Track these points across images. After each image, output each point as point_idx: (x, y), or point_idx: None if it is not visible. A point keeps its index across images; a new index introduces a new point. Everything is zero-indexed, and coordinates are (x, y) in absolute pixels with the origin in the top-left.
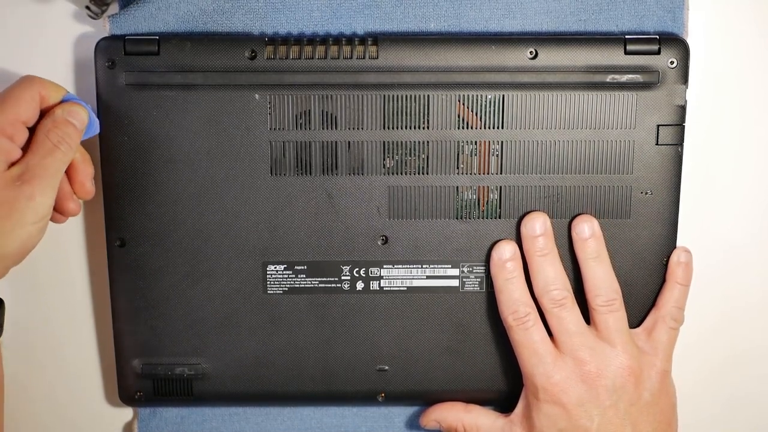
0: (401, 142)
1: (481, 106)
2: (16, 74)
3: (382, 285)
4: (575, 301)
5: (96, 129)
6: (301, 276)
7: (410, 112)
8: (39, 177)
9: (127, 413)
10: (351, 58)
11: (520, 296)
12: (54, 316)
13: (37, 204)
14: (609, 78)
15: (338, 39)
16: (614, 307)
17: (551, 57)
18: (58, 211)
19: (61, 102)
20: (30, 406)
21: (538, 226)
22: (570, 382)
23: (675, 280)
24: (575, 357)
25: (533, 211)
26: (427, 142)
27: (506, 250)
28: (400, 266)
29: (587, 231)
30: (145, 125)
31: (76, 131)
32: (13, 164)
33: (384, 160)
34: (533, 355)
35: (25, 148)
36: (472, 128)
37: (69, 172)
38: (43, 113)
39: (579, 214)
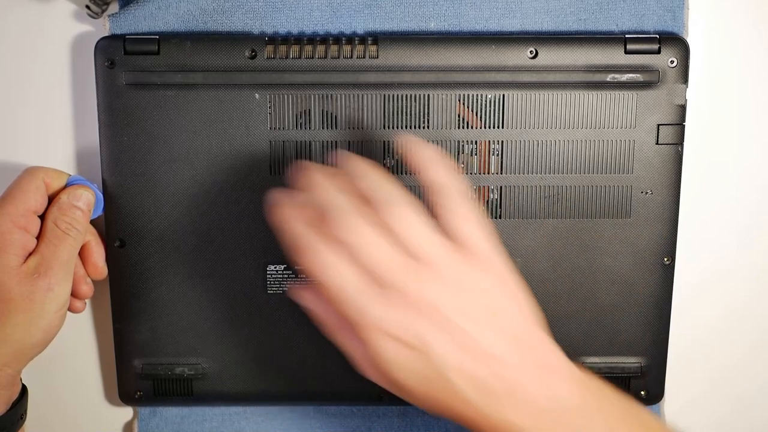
0: None
1: (481, 105)
2: (16, 74)
3: None
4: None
5: (101, 209)
6: (302, 276)
7: (410, 111)
8: (54, 267)
9: (127, 413)
10: (351, 57)
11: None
12: None
13: (56, 294)
14: (609, 77)
15: (338, 38)
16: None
17: (551, 56)
18: (72, 295)
19: (66, 186)
20: (30, 406)
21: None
22: (397, 315)
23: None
24: (393, 288)
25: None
26: (427, 142)
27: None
28: None
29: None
30: (145, 125)
31: (84, 214)
32: (29, 254)
33: (384, 160)
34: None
35: (39, 236)
36: (472, 128)
37: (82, 255)
38: (51, 199)
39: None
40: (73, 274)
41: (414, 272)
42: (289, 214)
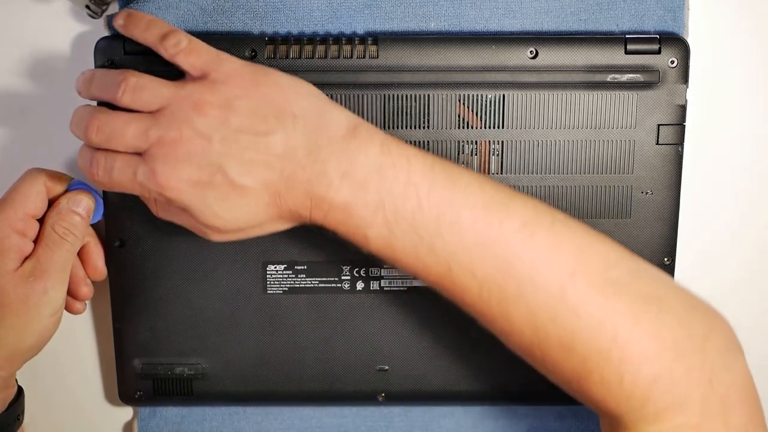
0: None
1: (481, 105)
2: (15, 74)
3: (382, 285)
4: None
5: (101, 214)
6: (301, 276)
7: (410, 111)
8: (50, 271)
9: (127, 413)
10: (351, 57)
11: None
12: None
13: (50, 298)
14: (609, 77)
15: (338, 38)
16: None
17: (552, 56)
18: (72, 296)
19: (67, 190)
20: (30, 406)
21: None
22: (180, 166)
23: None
24: (156, 147)
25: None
26: (427, 141)
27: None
28: None
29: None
30: None
31: (82, 220)
32: (26, 258)
33: None
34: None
35: (36, 239)
36: (472, 128)
37: (82, 256)
38: (51, 202)
39: None
40: (73, 276)
41: (163, 121)
42: (80, 160)
